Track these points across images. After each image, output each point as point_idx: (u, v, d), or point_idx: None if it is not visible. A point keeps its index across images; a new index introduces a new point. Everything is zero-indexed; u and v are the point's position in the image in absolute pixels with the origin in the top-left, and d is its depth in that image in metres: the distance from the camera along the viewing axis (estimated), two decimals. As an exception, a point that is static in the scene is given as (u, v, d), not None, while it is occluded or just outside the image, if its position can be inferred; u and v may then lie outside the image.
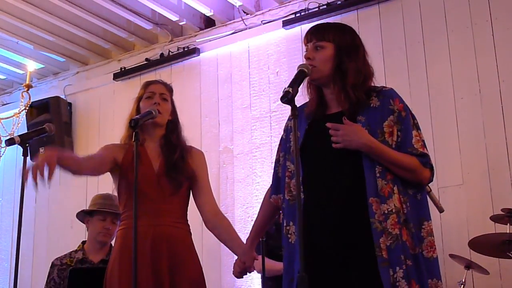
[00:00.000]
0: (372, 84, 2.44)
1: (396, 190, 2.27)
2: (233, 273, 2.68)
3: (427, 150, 2.36)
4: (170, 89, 3.02)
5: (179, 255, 2.78)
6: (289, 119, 2.54)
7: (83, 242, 3.80)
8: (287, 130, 2.52)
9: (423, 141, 2.36)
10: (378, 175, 2.25)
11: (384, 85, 2.45)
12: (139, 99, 2.98)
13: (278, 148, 2.55)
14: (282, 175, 2.46)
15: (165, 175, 2.84)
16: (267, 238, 3.62)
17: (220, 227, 2.92)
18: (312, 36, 2.45)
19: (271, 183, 2.58)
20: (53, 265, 3.72)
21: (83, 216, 3.83)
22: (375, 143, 2.25)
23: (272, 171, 2.59)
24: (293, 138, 2.07)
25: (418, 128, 2.38)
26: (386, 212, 2.22)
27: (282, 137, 2.54)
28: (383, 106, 2.34)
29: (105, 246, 3.75)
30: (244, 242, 2.78)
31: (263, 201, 2.65)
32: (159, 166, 2.86)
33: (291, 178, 2.39)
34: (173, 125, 2.98)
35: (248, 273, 2.68)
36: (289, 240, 2.35)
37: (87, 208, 3.87)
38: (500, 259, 3.82)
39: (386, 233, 2.20)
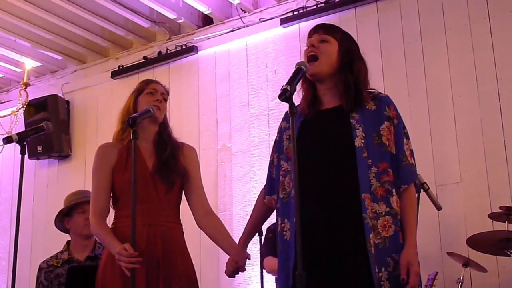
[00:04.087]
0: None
1: (394, 192, 2.30)
2: (225, 272, 2.69)
3: (414, 160, 2.39)
4: (168, 92, 3.04)
5: (173, 256, 2.78)
6: (282, 121, 2.56)
7: (68, 242, 3.79)
8: (280, 131, 2.54)
9: (411, 150, 2.40)
10: (373, 175, 2.28)
11: (380, 91, 2.48)
12: (137, 93, 2.95)
13: (272, 150, 2.57)
14: (276, 176, 2.48)
15: (158, 174, 2.84)
16: (273, 236, 3.62)
17: (212, 226, 2.92)
18: (320, 28, 2.48)
19: (265, 184, 2.59)
20: (40, 269, 3.70)
21: (62, 219, 3.78)
22: (413, 245, 2.27)
23: None
24: (291, 135, 2.08)
25: (407, 137, 2.41)
26: (377, 212, 2.25)
27: (276, 139, 2.57)
28: (379, 111, 2.38)
29: (89, 241, 3.73)
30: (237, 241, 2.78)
31: (256, 201, 2.67)
32: (153, 165, 2.86)
33: (285, 176, 2.42)
34: (164, 124, 2.99)
35: (240, 272, 2.68)
36: (285, 238, 2.36)
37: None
38: (498, 257, 3.82)
39: (375, 232, 2.23)
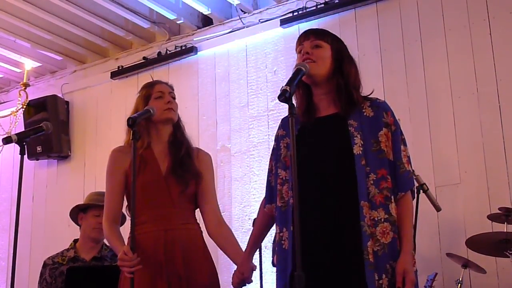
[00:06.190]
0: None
1: (393, 199, 2.29)
2: (232, 284, 2.68)
3: (411, 167, 2.39)
4: (172, 88, 2.99)
5: (193, 259, 2.73)
6: (279, 128, 2.54)
7: (75, 241, 3.78)
8: (277, 139, 2.53)
9: (408, 157, 2.39)
10: (371, 182, 2.28)
11: (378, 97, 2.47)
12: (145, 99, 2.88)
13: (270, 158, 2.56)
14: (275, 184, 2.47)
15: (172, 174, 2.79)
16: None
17: (224, 237, 2.87)
18: (311, 34, 2.46)
19: (265, 193, 2.58)
20: (45, 265, 3.69)
21: (77, 212, 3.78)
22: (409, 252, 2.26)
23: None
24: (291, 138, 2.07)
25: (405, 144, 2.41)
26: (376, 219, 2.25)
27: (273, 147, 2.55)
28: (377, 118, 2.37)
29: (98, 244, 3.72)
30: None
31: (258, 212, 2.65)
32: (167, 167, 2.81)
33: (283, 184, 2.41)
34: (177, 122, 2.96)
35: (247, 283, 2.68)
36: (283, 247, 2.35)
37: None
38: (497, 258, 3.82)
39: (374, 239, 2.22)
